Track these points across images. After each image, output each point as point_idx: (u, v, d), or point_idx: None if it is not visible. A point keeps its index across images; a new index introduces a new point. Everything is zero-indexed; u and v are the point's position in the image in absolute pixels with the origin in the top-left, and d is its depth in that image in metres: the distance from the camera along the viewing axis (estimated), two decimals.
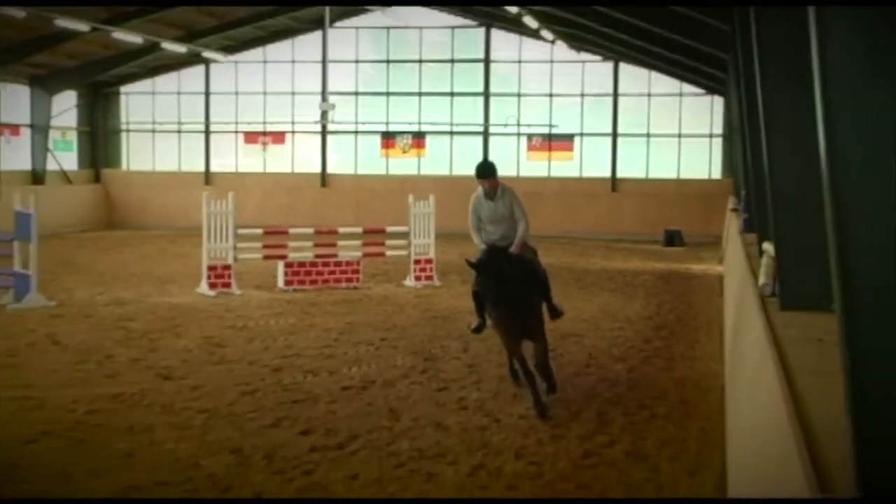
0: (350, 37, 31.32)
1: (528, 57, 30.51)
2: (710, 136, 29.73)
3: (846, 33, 3.32)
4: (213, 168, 32.50)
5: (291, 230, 18.24)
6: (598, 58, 29.74)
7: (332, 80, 28.78)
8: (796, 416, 4.25)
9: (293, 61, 31.70)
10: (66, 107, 31.06)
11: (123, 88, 32.76)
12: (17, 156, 29.29)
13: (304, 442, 7.61)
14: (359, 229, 19.50)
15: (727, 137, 28.78)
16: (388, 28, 30.89)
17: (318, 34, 29.28)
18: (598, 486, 6.65)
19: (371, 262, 18.48)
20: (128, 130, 33.09)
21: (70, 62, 29.06)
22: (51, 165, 30.30)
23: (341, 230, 18.60)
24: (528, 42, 29.82)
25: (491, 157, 30.74)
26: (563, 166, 30.43)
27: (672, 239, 26.72)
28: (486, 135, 31.02)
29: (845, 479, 3.42)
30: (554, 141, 30.29)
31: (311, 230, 19.08)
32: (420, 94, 31.16)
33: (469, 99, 31.17)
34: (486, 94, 31.01)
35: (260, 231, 17.64)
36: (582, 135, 30.38)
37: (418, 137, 31.08)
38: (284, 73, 31.77)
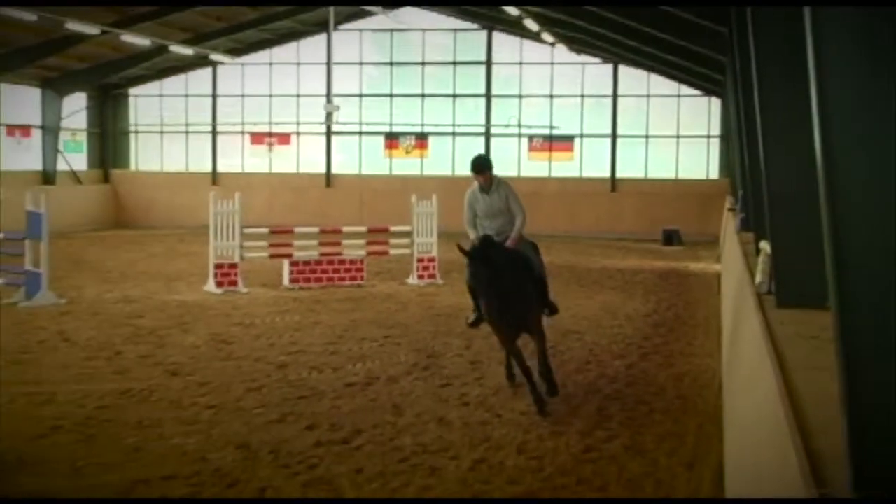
0: (354, 40, 31.33)
1: (528, 59, 30.51)
2: (708, 136, 29.72)
3: (841, 33, 3.32)
4: (220, 168, 32.52)
5: (297, 229, 18.27)
6: (597, 60, 29.74)
7: (337, 82, 28.79)
8: (792, 412, 4.25)
9: (298, 64, 31.73)
10: (76, 108, 31.09)
11: (132, 90, 32.81)
12: (28, 156, 29.35)
13: (310, 437, 7.60)
14: (363, 228, 19.55)
15: (724, 138, 28.78)
16: (392, 31, 30.89)
17: (322, 37, 29.29)
18: (598, 480, 6.65)
19: (375, 261, 18.48)
20: (136, 131, 33.12)
21: (80, 65, 29.10)
22: (61, 166, 30.35)
23: (345, 229, 18.62)
24: (529, 45, 29.83)
25: (492, 158, 30.77)
26: (563, 167, 30.43)
27: (670, 238, 26.70)
28: (487, 136, 31.02)
29: (841, 473, 3.42)
30: (554, 142, 30.28)
31: (316, 229, 19.10)
32: (423, 95, 31.17)
33: (471, 100, 31.18)
34: (488, 96, 31.00)
35: (266, 230, 17.65)
36: (582, 136, 30.37)
37: (421, 138, 31.09)
38: (290, 75, 31.80)
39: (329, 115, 28.15)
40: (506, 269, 8.29)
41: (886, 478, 3.25)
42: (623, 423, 8.09)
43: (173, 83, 32.49)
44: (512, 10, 22.32)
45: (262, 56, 31.86)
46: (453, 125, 31.00)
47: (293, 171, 32.02)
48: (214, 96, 32.41)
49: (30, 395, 8.89)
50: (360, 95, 31.49)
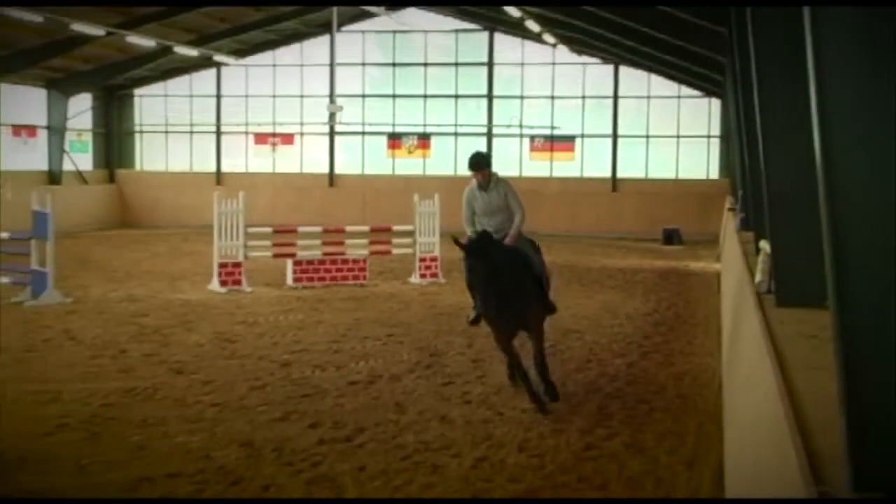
0: (357, 41, 31.32)
1: (530, 60, 30.49)
2: (708, 137, 29.68)
3: (840, 33, 3.31)
4: (224, 168, 32.52)
5: (300, 229, 18.26)
6: (598, 61, 29.71)
7: (340, 82, 28.79)
8: (791, 410, 4.24)
9: (302, 65, 31.72)
10: (81, 109, 31.10)
11: (137, 91, 32.81)
12: (34, 156, 29.37)
13: (313, 435, 7.60)
14: (365, 228, 19.54)
15: (724, 139, 28.75)
16: (395, 32, 30.87)
17: (325, 38, 29.29)
18: (599, 478, 6.63)
19: (377, 260, 18.48)
20: (141, 132, 33.13)
21: (86, 66, 29.11)
22: (67, 166, 30.36)
23: (348, 229, 18.61)
24: (531, 45, 29.80)
25: (494, 158, 30.83)
26: (564, 167, 30.41)
27: (671, 237, 26.67)
28: (489, 136, 31.01)
29: (840, 472, 3.41)
30: (556, 142, 30.27)
31: (319, 229, 19.09)
32: (425, 96, 31.16)
33: (473, 101, 31.16)
34: (490, 97, 30.99)
35: (269, 230, 17.63)
36: (583, 136, 30.35)
37: (423, 138, 31.08)
38: (293, 75, 31.80)
39: (332, 116, 28.15)
40: (504, 267, 8.07)
41: (886, 477, 3.24)
42: (623, 421, 8.07)
43: (178, 84, 32.49)
44: (513, 12, 22.28)
45: (265, 57, 31.86)
46: (455, 125, 30.99)
47: (297, 171, 32.01)
48: (218, 97, 32.41)
49: (35, 393, 8.90)
50: (363, 96, 31.48)
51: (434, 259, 17.39)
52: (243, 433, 7.63)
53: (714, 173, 29.71)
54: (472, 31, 30.86)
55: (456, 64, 31.05)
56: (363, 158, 31.84)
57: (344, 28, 30.23)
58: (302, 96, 31.69)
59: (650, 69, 28.45)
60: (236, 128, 32.15)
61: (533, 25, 24.41)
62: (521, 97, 30.70)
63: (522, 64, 30.64)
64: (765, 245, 9.08)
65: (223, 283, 15.95)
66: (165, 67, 31.07)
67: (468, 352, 10.94)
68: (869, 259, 3.27)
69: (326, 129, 30.65)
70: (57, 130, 29.79)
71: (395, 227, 18.55)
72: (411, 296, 15.77)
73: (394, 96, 31.34)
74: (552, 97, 30.40)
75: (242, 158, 32.54)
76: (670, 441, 7.49)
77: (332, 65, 28.18)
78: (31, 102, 29.11)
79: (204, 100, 32.48)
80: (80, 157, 31.34)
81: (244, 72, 31.94)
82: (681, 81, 28.71)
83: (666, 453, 7.18)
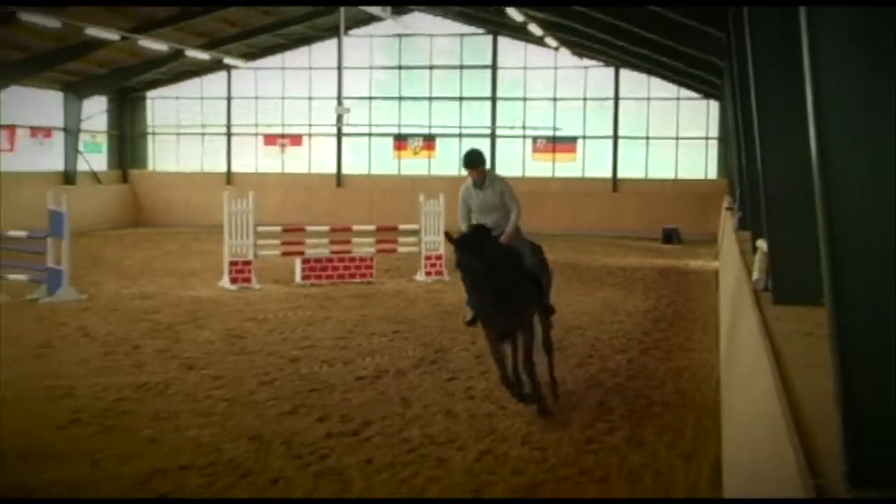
0: (364, 44, 31.31)
1: (533, 63, 30.44)
2: (707, 138, 29.61)
3: (836, 33, 3.28)
4: (234, 169, 32.54)
5: (308, 228, 18.29)
6: (599, 64, 29.65)
7: (347, 85, 28.78)
8: (788, 406, 4.22)
9: (310, 68, 31.71)
10: (96, 111, 31.15)
11: (150, 94, 32.85)
12: (49, 157, 29.43)
13: (321, 428, 7.60)
14: (372, 227, 19.54)
15: (723, 140, 28.67)
16: (400, 36, 30.84)
17: (333, 42, 29.26)
18: (600, 471, 6.62)
19: (384, 259, 18.47)
20: (153, 133, 33.16)
21: (100, 69, 29.15)
22: (81, 166, 30.40)
23: (355, 228, 18.64)
24: (534, 49, 29.75)
25: (497, 159, 30.95)
26: (566, 167, 30.36)
27: (670, 236, 26.62)
28: (493, 137, 30.97)
29: (836, 470, 3.38)
30: (557, 143, 30.22)
31: (326, 228, 19.11)
32: (430, 98, 31.14)
33: (477, 103, 31.14)
34: (493, 99, 30.96)
35: (279, 229, 17.65)
36: (584, 137, 30.30)
37: (429, 140, 31.05)
38: (302, 78, 31.80)
39: (340, 118, 28.14)
40: (500, 265, 7.66)
41: (882, 475, 3.21)
42: (624, 415, 8.06)
43: (189, 87, 32.52)
44: (516, 16, 22.25)
45: (275, 60, 31.87)
46: (460, 127, 30.97)
47: (305, 171, 32.01)
48: (229, 99, 32.42)
49: (50, 388, 8.91)
50: (370, 98, 31.47)
51: (439, 257, 17.38)
52: (253, 427, 7.63)
53: (712, 174, 29.65)
54: (476, 35, 30.82)
55: (460, 67, 31.03)
56: (370, 159, 31.83)
57: (351, 32, 30.22)
58: (310, 98, 31.69)
59: (650, 72, 28.38)
60: (246, 129, 32.16)
61: (535, 29, 24.38)
62: (524, 99, 30.67)
63: (525, 67, 30.60)
64: (762, 244, 9.03)
65: (233, 281, 15.96)
66: (177, 70, 31.09)
67: (472, 348, 10.92)
68: (865, 257, 3.24)
69: (334, 130, 30.64)
70: (72, 132, 29.85)
71: (401, 227, 18.55)
72: (417, 293, 15.76)
73: (400, 98, 31.33)
74: (554, 99, 30.36)
75: (252, 159, 32.55)
76: (669, 435, 7.47)
77: (339, 68, 28.16)
78: (47, 105, 29.16)
79: (215, 102, 32.50)
80: (95, 158, 31.38)
81: (254, 75, 31.95)
82: (680, 84, 28.65)
83: (665, 447, 7.16)
